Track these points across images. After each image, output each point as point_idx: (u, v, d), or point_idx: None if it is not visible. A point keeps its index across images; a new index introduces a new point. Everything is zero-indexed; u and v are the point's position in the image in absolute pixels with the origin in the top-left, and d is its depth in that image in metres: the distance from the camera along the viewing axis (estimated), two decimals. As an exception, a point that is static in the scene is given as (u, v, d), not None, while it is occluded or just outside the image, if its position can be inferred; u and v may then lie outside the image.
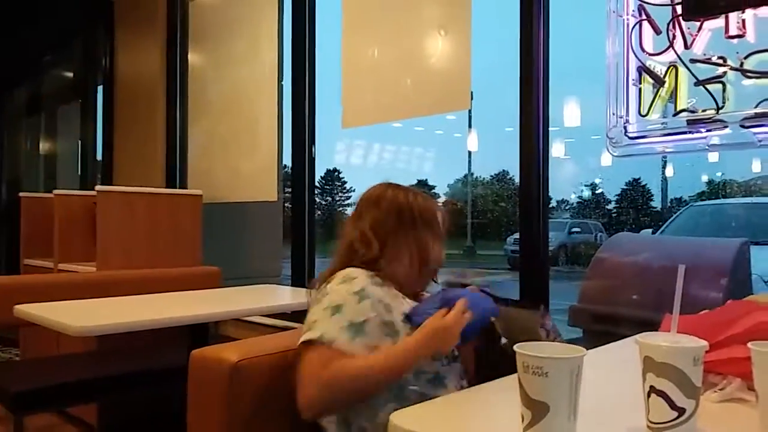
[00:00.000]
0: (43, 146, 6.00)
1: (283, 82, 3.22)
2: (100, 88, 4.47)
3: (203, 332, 2.06)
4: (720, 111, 1.68)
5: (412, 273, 1.32)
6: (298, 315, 1.26)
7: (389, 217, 1.32)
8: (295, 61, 3.06)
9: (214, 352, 1.19)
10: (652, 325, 1.11)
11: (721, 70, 1.68)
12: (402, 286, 1.30)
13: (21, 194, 3.63)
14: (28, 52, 5.59)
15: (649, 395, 0.81)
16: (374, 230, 1.31)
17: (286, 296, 2.48)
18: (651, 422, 0.82)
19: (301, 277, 3.04)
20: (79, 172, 4.86)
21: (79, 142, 4.84)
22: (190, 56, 3.85)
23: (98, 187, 2.95)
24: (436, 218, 1.36)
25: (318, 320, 1.13)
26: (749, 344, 0.82)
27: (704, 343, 0.81)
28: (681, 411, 0.79)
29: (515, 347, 0.78)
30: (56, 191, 3.20)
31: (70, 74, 5.31)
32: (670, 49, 1.77)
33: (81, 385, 2.20)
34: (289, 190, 3.14)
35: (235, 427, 1.15)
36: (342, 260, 1.30)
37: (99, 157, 4.52)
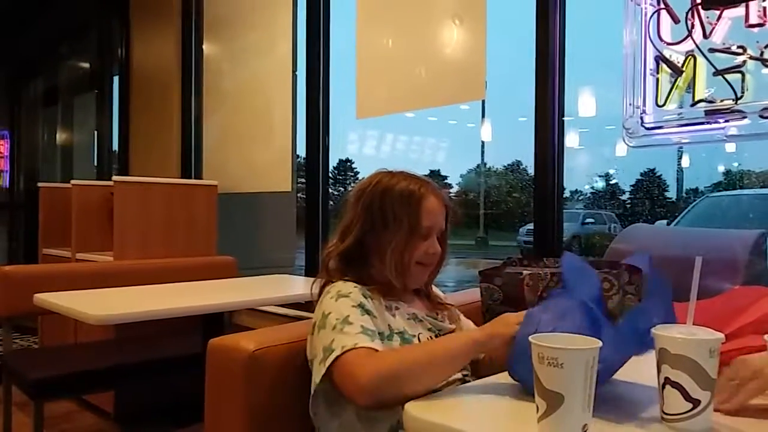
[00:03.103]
0: (60, 137, 6.05)
1: (297, 73, 3.22)
2: (115, 79, 4.50)
3: (219, 321, 2.08)
4: (738, 101, 1.66)
5: (401, 270, 1.20)
6: (312, 305, 1.26)
7: (366, 213, 1.22)
8: (309, 52, 3.06)
9: (232, 340, 1.21)
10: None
11: (740, 59, 1.66)
12: (395, 289, 1.23)
13: (39, 184, 3.67)
14: (44, 43, 5.63)
15: (663, 387, 0.81)
16: (349, 230, 1.23)
17: (299, 286, 2.49)
18: (665, 414, 0.82)
19: (314, 267, 3.06)
20: (96, 163, 4.90)
21: (95, 132, 4.88)
22: (204, 47, 3.87)
23: (115, 178, 2.98)
24: (411, 205, 1.19)
25: (335, 339, 1.06)
26: (766, 336, 0.82)
27: (720, 335, 0.81)
28: (696, 402, 0.79)
29: (530, 338, 0.78)
30: (74, 181, 3.23)
31: (86, 65, 5.34)
32: (689, 38, 1.75)
33: (99, 373, 2.24)
34: (303, 180, 3.15)
35: (251, 414, 1.17)
36: (335, 267, 1.24)
37: (115, 147, 4.56)
